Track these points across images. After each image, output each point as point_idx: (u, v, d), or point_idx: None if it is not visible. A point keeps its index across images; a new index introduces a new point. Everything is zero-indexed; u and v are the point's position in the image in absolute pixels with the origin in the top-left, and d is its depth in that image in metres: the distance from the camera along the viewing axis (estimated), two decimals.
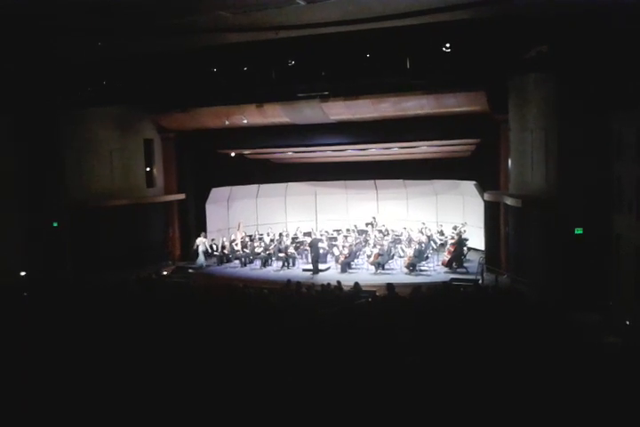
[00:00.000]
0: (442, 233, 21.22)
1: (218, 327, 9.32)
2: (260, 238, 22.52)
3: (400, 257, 19.66)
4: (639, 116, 12.35)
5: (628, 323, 12.39)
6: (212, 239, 22.24)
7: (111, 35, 13.23)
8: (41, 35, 13.04)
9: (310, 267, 19.74)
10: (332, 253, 20.53)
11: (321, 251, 20.19)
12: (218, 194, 23.73)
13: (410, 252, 19.17)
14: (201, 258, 21.39)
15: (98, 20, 12.07)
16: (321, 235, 21.73)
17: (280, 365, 6.96)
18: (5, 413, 6.02)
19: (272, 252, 21.02)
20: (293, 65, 14.19)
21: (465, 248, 19.60)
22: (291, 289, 14.08)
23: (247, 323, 9.57)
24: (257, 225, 24.82)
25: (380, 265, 19.13)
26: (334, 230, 22.85)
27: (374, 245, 19.99)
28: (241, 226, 23.26)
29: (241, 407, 5.86)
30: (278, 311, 11.07)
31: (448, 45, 12.84)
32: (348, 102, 18.27)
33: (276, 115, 19.55)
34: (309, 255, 21.00)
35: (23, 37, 13.26)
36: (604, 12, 11.27)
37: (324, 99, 18.19)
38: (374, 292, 14.74)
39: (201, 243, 21.59)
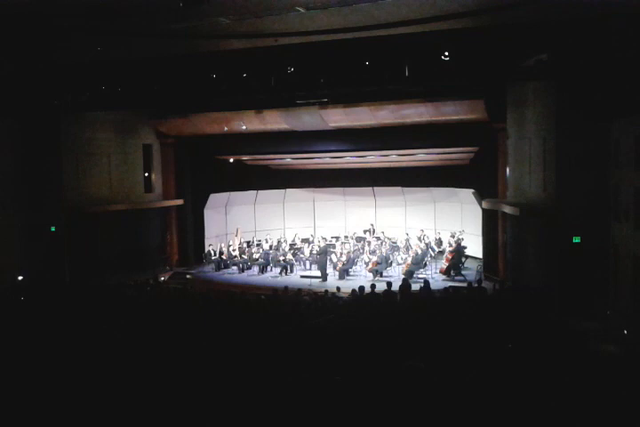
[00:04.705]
0: (440, 242, 21.21)
1: (215, 332, 9.31)
2: (259, 244, 22.52)
3: (398, 264, 19.64)
4: (637, 125, 12.37)
5: (625, 332, 12.37)
6: (210, 245, 22.24)
7: (111, 39, 13.26)
8: (41, 36, 13.05)
9: (308, 273, 19.71)
10: (331, 260, 20.52)
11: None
12: (216, 200, 23.73)
13: (408, 259, 19.15)
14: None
15: (98, 24, 12.10)
16: (318, 241, 21.73)
17: (280, 367, 6.95)
18: (4, 413, 6.01)
19: (271, 258, 20.99)
20: (293, 72, 14.21)
21: (463, 256, 19.59)
22: (289, 295, 14.06)
23: (245, 327, 9.55)
24: (255, 231, 24.81)
25: (377, 272, 19.10)
26: (332, 237, 22.84)
27: (372, 252, 19.97)
28: (239, 232, 23.25)
29: (240, 408, 5.86)
30: (276, 317, 11.06)
31: (447, 53, 12.88)
32: (347, 109, 18.31)
33: (274, 121, 19.59)
34: (307, 262, 21.03)
35: (23, 38, 13.28)
36: (604, 13, 11.32)
37: (323, 106, 18.23)
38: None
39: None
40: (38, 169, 18.74)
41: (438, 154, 20.91)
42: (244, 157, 23.51)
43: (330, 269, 20.03)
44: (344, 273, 19.61)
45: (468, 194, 21.38)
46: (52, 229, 18.85)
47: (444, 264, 19.38)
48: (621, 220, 13.11)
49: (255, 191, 25.18)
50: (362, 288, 12.75)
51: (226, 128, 19.94)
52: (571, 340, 9.09)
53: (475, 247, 20.41)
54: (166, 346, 8.21)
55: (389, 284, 13.02)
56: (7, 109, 17.55)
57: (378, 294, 12.60)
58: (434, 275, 19.19)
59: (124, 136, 21.15)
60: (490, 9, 11.23)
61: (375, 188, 25.12)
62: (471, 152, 20.12)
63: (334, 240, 22.34)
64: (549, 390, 6.15)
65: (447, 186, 22.48)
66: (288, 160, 23.61)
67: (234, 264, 21.63)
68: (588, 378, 6.68)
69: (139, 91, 16.18)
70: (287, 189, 25.62)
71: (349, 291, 13.86)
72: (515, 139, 17.07)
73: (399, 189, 24.40)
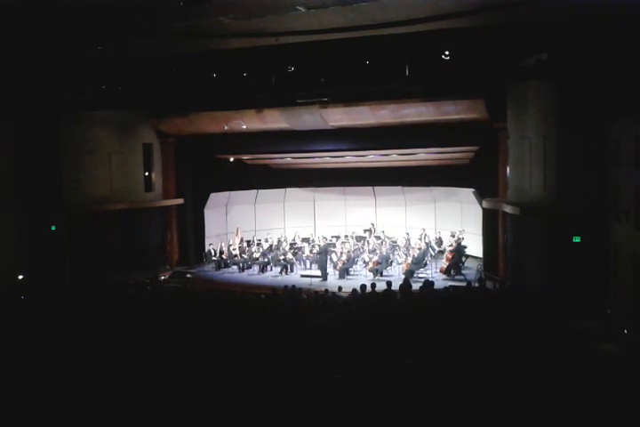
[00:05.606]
0: (440, 241, 21.21)
1: (215, 331, 9.30)
2: (259, 244, 22.52)
3: (398, 264, 19.64)
4: (638, 125, 12.37)
5: (625, 331, 12.36)
6: (210, 244, 22.24)
7: (111, 39, 13.25)
8: (41, 36, 13.04)
9: (308, 273, 19.71)
10: (331, 259, 20.52)
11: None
12: (216, 199, 23.73)
13: (408, 258, 19.14)
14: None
15: (98, 24, 12.09)
16: (318, 241, 21.73)
17: (280, 366, 6.95)
18: (4, 413, 6.01)
19: (271, 257, 21.00)
20: (293, 71, 14.21)
21: (463, 256, 19.58)
22: (289, 295, 14.06)
23: (245, 327, 9.55)
24: (255, 230, 24.82)
25: (377, 272, 19.10)
26: (332, 236, 22.85)
27: (372, 251, 19.97)
28: (239, 231, 23.25)
29: (240, 408, 5.87)
30: (276, 316, 11.06)
31: (447, 53, 12.87)
32: (348, 109, 18.30)
33: (275, 120, 19.58)
34: (307, 261, 21.02)
35: (23, 38, 13.27)
36: (604, 13, 11.31)
37: (324, 105, 18.21)
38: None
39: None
40: (38, 169, 18.70)
41: (438, 153, 20.91)
42: (245, 157, 23.50)
43: (330, 269, 20.03)
44: (344, 272, 19.61)
45: (468, 193, 21.38)
46: (53, 228, 18.86)
47: (444, 264, 19.38)
48: (622, 219, 13.10)
49: (255, 191, 25.18)
50: (363, 287, 12.76)
51: (226, 127, 19.92)
52: (571, 340, 9.09)
53: (475, 247, 20.40)
54: (166, 346, 8.21)
55: (389, 283, 13.01)
56: (7, 109, 17.53)
57: (378, 292, 12.60)
58: (434, 274, 19.18)
59: (124, 135, 21.15)
60: (490, 8, 11.22)
61: (375, 187, 25.10)
62: (471, 151, 20.12)
63: (334, 239, 22.32)
64: (549, 390, 6.15)
65: (447, 185, 22.47)
66: (288, 159, 23.61)
67: (234, 263, 21.63)
68: (588, 378, 6.68)
69: (139, 90, 16.18)
70: (287, 189, 25.61)
71: (350, 290, 13.86)
72: (515, 138, 17.06)
73: (399, 188, 24.39)
